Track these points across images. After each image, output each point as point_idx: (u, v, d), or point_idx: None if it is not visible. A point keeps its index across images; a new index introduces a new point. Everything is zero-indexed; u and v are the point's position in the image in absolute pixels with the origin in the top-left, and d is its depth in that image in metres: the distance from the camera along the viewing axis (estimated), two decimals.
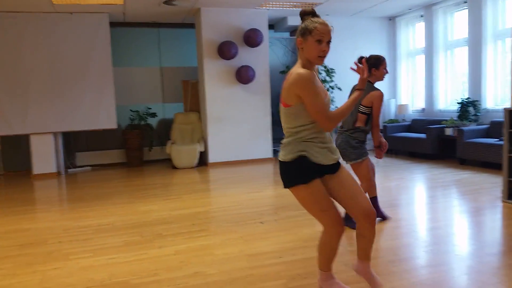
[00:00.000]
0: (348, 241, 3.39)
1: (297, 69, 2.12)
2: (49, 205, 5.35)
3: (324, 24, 2.10)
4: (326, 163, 2.19)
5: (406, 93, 9.43)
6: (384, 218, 3.93)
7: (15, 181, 7.39)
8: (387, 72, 3.71)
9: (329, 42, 2.11)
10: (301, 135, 2.17)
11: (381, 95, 3.61)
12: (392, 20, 9.38)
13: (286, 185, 2.23)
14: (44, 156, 7.61)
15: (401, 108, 8.89)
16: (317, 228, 3.81)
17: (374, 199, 3.87)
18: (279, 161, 2.25)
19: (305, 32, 2.11)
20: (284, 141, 2.23)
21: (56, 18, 7.49)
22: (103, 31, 7.68)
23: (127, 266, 3.09)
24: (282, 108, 2.20)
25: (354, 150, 3.67)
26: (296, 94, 2.10)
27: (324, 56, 2.11)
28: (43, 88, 7.50)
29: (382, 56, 3.69)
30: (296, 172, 2.16)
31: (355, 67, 2.22)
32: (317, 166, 2.18)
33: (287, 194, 5.18)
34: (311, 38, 2.08)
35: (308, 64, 2.16)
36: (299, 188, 2.18)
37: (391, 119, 8.96)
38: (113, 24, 8.07)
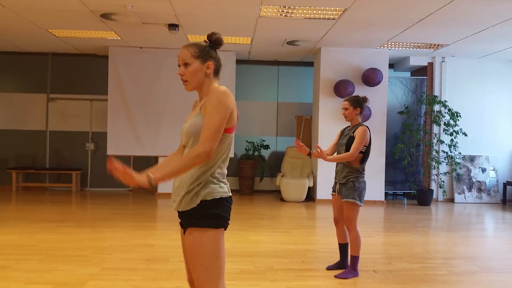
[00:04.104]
0: None
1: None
2: (171, 224, 5.84)
3: (182, 47, 2.00)
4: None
5: None
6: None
7: (141, 197, 8.21)
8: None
9: (186, 64, 1.96)
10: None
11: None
12: None
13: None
14: None
15: None
16: (438, 285, 3.60)
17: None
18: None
19: None
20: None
21: None
22: (230, 67, 8.31)
23: None
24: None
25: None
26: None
27: (183, 81, 1.99)
28: (174, 116, 8.29)
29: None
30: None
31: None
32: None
33: (401, 243, 5.00)
34: None
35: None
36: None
37: None
38: (238, 62, 8.69)
